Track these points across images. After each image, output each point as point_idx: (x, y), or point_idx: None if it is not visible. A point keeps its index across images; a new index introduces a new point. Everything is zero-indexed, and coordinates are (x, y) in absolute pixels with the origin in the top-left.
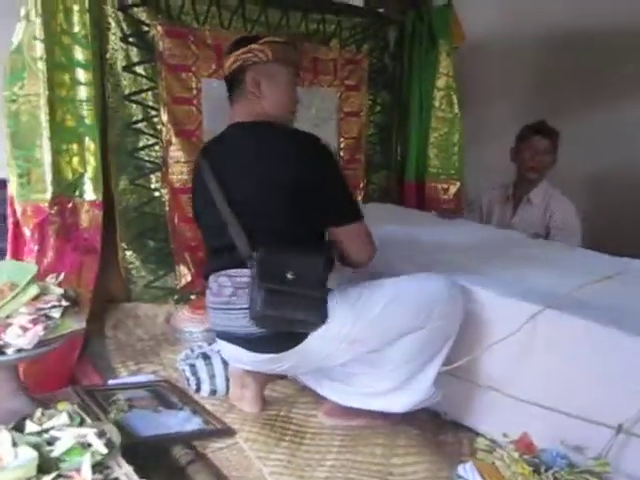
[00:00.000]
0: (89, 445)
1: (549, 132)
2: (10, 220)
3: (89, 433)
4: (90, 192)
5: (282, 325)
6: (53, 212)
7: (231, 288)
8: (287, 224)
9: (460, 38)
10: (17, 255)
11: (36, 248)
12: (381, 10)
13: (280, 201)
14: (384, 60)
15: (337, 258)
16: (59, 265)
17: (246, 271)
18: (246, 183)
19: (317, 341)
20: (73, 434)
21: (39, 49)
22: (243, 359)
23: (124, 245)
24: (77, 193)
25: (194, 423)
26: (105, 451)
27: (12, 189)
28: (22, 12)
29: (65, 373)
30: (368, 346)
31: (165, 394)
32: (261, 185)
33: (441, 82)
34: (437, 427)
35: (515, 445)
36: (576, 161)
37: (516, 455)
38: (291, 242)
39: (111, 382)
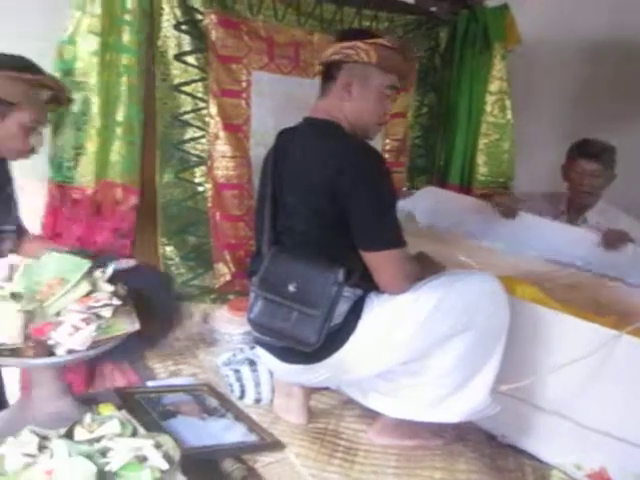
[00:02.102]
0: (145, 459)
1: (596, 153)
2: (47, 201)
3: (146, 445)
4: (128, 178)
5: (275, 337)
6: (91, 194)
7: None
8: (318, 229)
9: (515, 40)
10: (54, 229)
11: (73, 227)
12: (433, 9)
13: (315, 205)
14: (434, 61)
15: None
16: (91, 242)
17: None
18: (294, 182)
19: (352, 352)
20: (128, 446)
21: (95, 43)
22: (276, 367)
23: (164, 240)
24: (116, 177)
25: (239, 433)
26: (165, 467)
27: (52, 171)
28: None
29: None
30: (409, 356)
31: (207, 399)
32: (304, 186)
33: (494, 86)
34: (495, 451)
35: (590, 479)
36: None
37: None
38: (318, 248)
39: (150, 384)
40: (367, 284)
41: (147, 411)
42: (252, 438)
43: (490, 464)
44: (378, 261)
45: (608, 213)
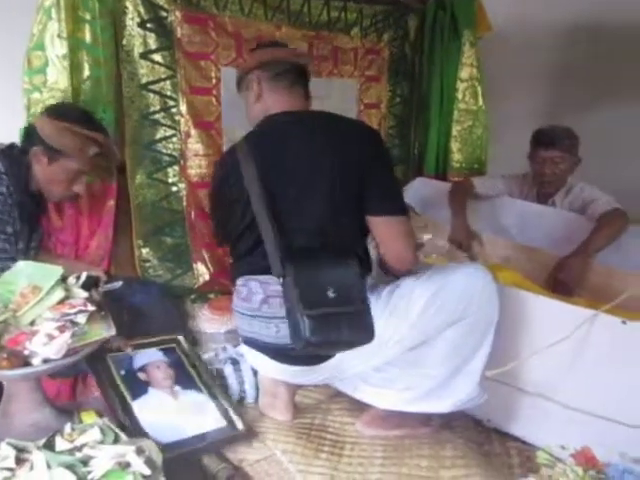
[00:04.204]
0: (128, 465)
1: (553, 141)
2: None
3: (128, 451)
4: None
5: (327, 349)
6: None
7: (262, 295)
8: (327, 221)
9: (485, 28)
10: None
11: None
12: None
13: (338, 185)
14: (404, 50)
15: (377, 263)
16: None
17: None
18: (308, 174)
19: (355, 350)
20: (110, 453)
21: (63, 47)
22: (269, 368)
23: (140, 242)
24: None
25: (211, 418)
26: (148, 472)
27: None
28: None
29: None
30: (408, 345)
31: (181, 360)
32: (327, 172)
33: (465, 73)
34: (481, 435)
35: (575, 459)
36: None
37: (580, 471)
38: (328, 245)
39: None
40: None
41: (116, 383)
42: (223, 424)
43: (476, 449)
44: (395, 227)
45: (574, 189)
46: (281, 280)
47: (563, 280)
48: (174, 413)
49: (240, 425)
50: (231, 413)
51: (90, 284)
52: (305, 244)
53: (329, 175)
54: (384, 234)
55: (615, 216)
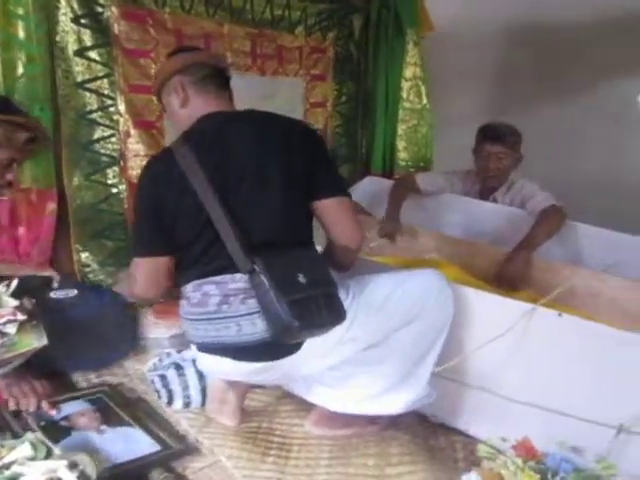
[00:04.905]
0: None
1: (499, 136)
2: None
3: (60, 467)
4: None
5: (309, 333)
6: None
7: (219, 297)
8: (280, 215)
9: (428, 27)
10: None
11: None
12: None
13: (289, 175)
14: (349, 49)
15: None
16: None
17: (238, 276)
18: (255, 170)
19: (314, 344)
20: (41, 469)
21: None
22: (228, 370)
23: (79, 247)
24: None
25: (144, 444)
26: None
27: None
28: None
29: None
30: (363, 344)
31: (108, 403)
32: (275, 163)
33: (409, 72)
34: (427, 431)
35: (516, 450)
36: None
37: (520, 462)
38: (285, 237)
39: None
40: None
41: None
42: (156, 448)
43: (422, 444)
44: (345, 206)
45: (515, 186)
46: (247, 276)
47: (508, 275)
48: (101, 445)
49: (177, 445)
50: (164, 436)
51: (38, 285)
52: (263, 239)
53: (276, 170)
54: (335, 215)
55: (553, 212)
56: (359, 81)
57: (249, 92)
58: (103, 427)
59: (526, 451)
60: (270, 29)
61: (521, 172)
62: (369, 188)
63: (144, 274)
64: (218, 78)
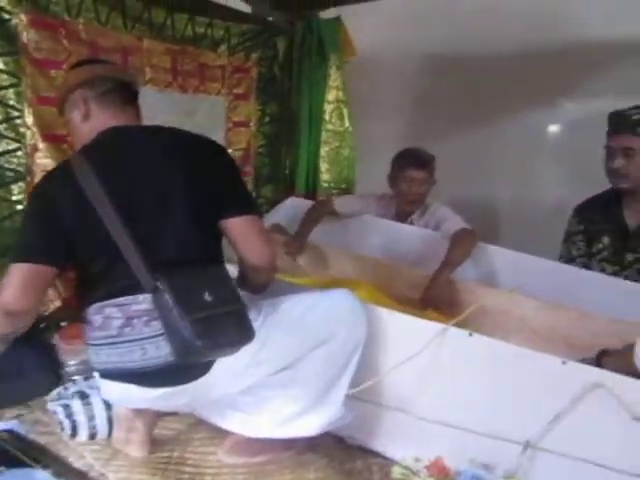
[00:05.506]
0: None
1: (423, 162)
2: None
3: None
4: None
5: (215, 353)
6: None
7: (122, 319)
8: (185, 232)
9: (351, 52)
10: None
11: None
12: (270, 18)
13: (194, 193)
14: (273, 70)
15: (236, 281)
16: None
17: (141, 297)
18: (157, 185)
19: (224, 366)
20: None
21: None
22: (134, 397)
23: None
24: None
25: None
26: None
27: None
28: None
29: None
30: (276, 366)
31: (7, 449)
32: (177, 179)
33: (331, 95)
34: (344, 454)
35: (429, 470)
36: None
37: None
38: (191, 255)
39: None
40: None
41: None
42: None
43: (339, 468)
44: (255, 224)
45: (430, 209)
46: (150, 297)
47: (432, 297)
48: None
49: None
50: (64, 473)
51: None
52: (168, 257)
53: (181, 186)
54: (244, 233)
55: (465, 234)
56: (283, 102)
57: (169, 108)
58: (1, 468)
59: (438, 470)
60: (192, 46)
61: (435, 196)
62: (291, 209)
63: (17, 280)
64: (123, 92)
